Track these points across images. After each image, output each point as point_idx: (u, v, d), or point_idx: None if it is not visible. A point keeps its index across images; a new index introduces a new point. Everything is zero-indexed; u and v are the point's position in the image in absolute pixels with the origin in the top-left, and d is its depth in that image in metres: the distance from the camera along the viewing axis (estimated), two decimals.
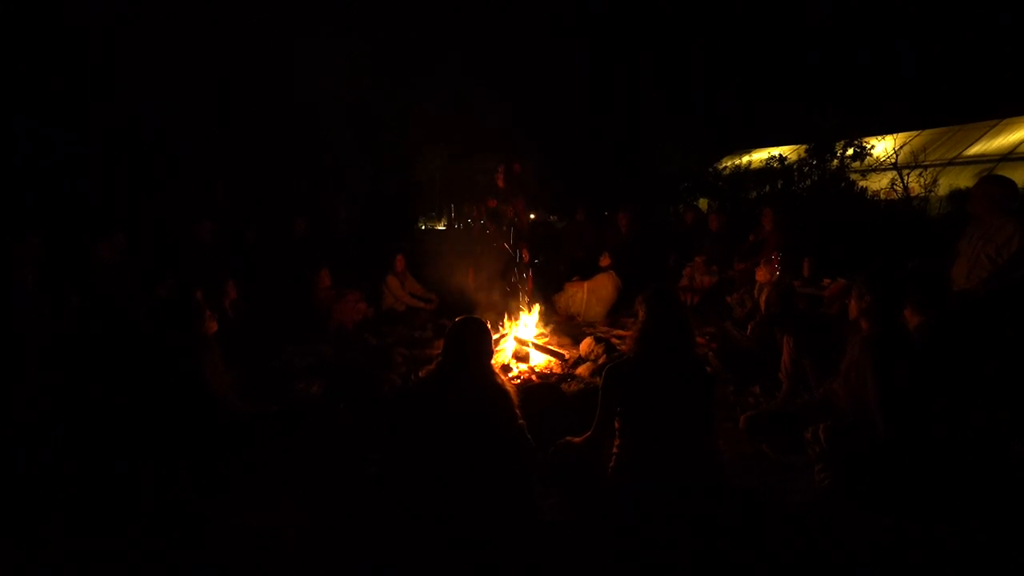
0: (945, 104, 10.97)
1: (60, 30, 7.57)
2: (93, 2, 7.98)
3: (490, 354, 2.36)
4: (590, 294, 6.30)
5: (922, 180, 7.36)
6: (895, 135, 8.96)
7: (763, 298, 4.50)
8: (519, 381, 4.09)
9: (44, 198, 6.50)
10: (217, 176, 8.20)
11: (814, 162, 8.27)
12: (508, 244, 6.38)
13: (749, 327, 4.35)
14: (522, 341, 4.72)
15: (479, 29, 13.45)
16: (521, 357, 4.57)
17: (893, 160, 7.83)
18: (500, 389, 2.27)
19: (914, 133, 10.21)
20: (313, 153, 9.64)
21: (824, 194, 7.85)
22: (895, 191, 7.45)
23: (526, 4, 13.75)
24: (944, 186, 7.51)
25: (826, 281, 4.99)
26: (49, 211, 6.10)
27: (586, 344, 4.63)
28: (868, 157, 8.18)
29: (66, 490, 2.65)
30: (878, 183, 7.97)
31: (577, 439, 2.46)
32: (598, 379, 2.83)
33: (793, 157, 8.93)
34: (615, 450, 2.27)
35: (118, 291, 4.53)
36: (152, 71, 8.30)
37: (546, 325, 5.38)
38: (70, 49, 7.64)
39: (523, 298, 5.50)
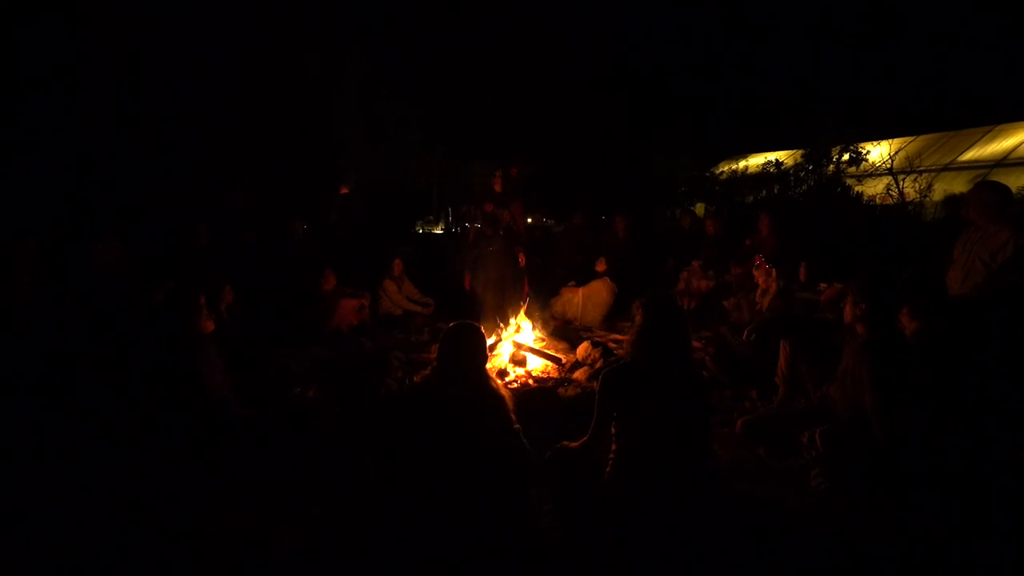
0: (940, 110, 11.06)
1: (60, 30, 7.56)
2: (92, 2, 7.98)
3: (485, 358, 2.36)
4: (586, 300, 6.30)
5: (917, 185, 7.40)
6: (891, 140, 9.02)
7: (766, 301, 4.51)
8: (516, 385, 4.08)
9: (41, 200, 6.47)
10: (218, 178, 8.18)
11: (810, 167, 8.31)
12: (504, 248, 6.37)
13: (745, 332, 4.36)
14: (519, 345, 4.71)
15: (479, 33, 13.50)
16: (518, 361, 4.56)
17: (889, 165, 7.88)
18: (495, 393, 2.26)
19: (909, 139, 10.27)
20: (315, 155, 9.65)
21: (820, 199, 7.89)
22: (891, 196, 7.49)
23: (525, 9, 13.80)
24: (939, 191, 7.54)
25: (822, 286, 5.00)
26: (46, 213, 6.08)
27: (583, 348, 4.62)
28: (864, 162, 8.22)
29: (64, 489, 2.63)
30: (874, 188, 8.01)
31: (574, 444, 2.45)
32: (595, 383, 2.83)
33: (790, 162, 8.96)
34: (611, 455, 2.26)
35: (115, 294, 4.51)
36: (153, 71, 8.31)
37: (543, 329, 5.38)
38: (69, 49, 7.63)
39: (520, 302, 5.50)
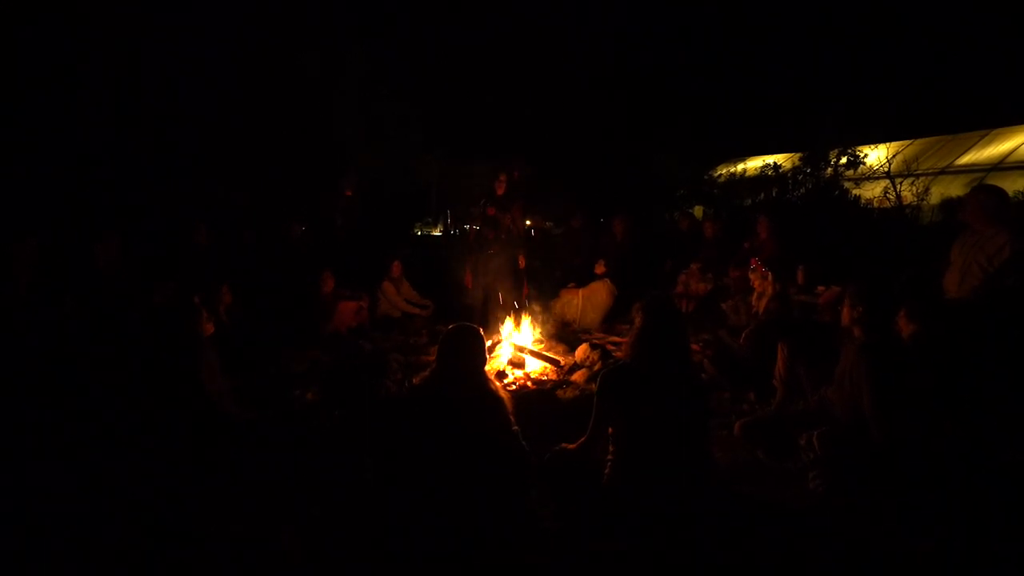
0: (937, 113, 11.08)
1: (60, 30, 7.55)
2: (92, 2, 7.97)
3: (484, 360, 2.37)
4: (585, 301, 6.31)
5: (914, 189, 7.42)
6: (888, 144, 9.03)
7: (763, 304, 4.52)
8: (515, 387, 4.09)
9: (40, 201, 6.47)
10: (219, 178, 8.17)
11: (808, 170, 8.33)
12: (504, 250, 6.38)
13: (743, 334, 4.37)
14: (518, 347, 4.72)
15: (479, 33, 13.52)
16: (517, 363, 4.57)
17: (886, 169, 7.90)
18: (494, 395, 2.28)
19: (907, 142, 10.28)
20: (315, 156, 9.64)
21: (818, 202, 7.91)
22: (888, 199, 7.51)
23: (525, 9, 13.80)
24: (936, 195, 7.56)
25: (820, 288, 5.02)
26: (45, 214, 6.08)
27: (582, 350, 4.64)
28: (861, 166, 8.24)
29: (64, 489, 2.63)
30: (871, 191, 8.03)
31: (572, 446, 2.46)
32: (593, 385, 2.84)
33: (788, 165, 8.98)
34: (610, 457, 2.27)
35: (115, 294, 4.52)
36: (153, 71, 8.30)
37: (542, 331, 5.39)
38: (69, 49, 7.62)
39: (519, 304, 5.51)
